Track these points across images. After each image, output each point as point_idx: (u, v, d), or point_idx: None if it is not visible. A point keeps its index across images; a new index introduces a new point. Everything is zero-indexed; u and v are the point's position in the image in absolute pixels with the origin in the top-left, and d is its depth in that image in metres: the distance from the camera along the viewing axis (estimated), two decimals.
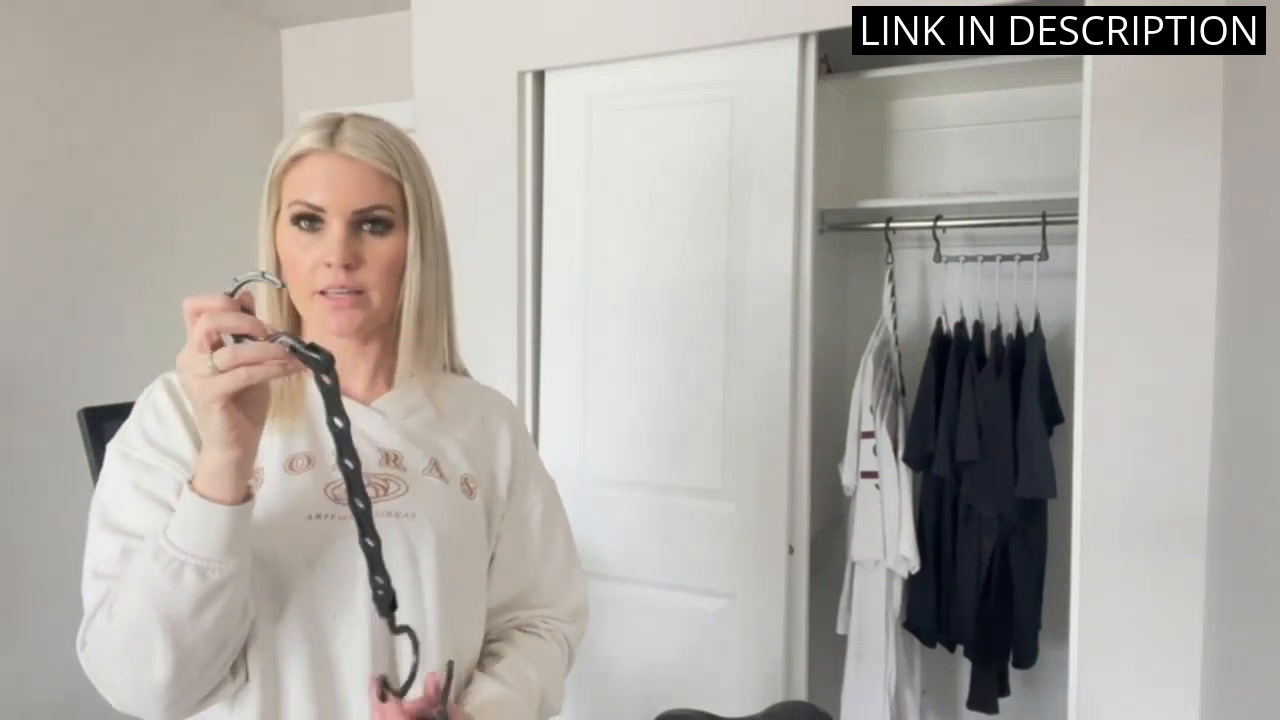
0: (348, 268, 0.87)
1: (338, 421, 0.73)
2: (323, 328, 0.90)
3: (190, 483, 0.73)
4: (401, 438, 0.94)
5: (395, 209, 0.90)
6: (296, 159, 0.88)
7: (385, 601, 0.79)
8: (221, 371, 0.68)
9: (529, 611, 1.05)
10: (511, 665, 0.97)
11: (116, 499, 0.83)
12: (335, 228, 0.87)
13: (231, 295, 0.70)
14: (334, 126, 0.89)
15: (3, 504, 2.13)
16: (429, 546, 0.89)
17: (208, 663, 0.77)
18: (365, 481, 0.89)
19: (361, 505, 0.76)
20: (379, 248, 0.89)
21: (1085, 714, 1.61)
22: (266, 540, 0.84)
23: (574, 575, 1.10)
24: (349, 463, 0.75)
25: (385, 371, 0.98)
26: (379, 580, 0.79)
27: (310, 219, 0.87)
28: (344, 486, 0.85)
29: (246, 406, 0.72)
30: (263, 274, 0.75)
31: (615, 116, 2.04)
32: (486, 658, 0.99)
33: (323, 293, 0.87)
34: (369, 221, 0.88)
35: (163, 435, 0.87)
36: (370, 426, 0.93)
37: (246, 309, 0.71)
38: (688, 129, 1.97)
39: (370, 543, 0.77)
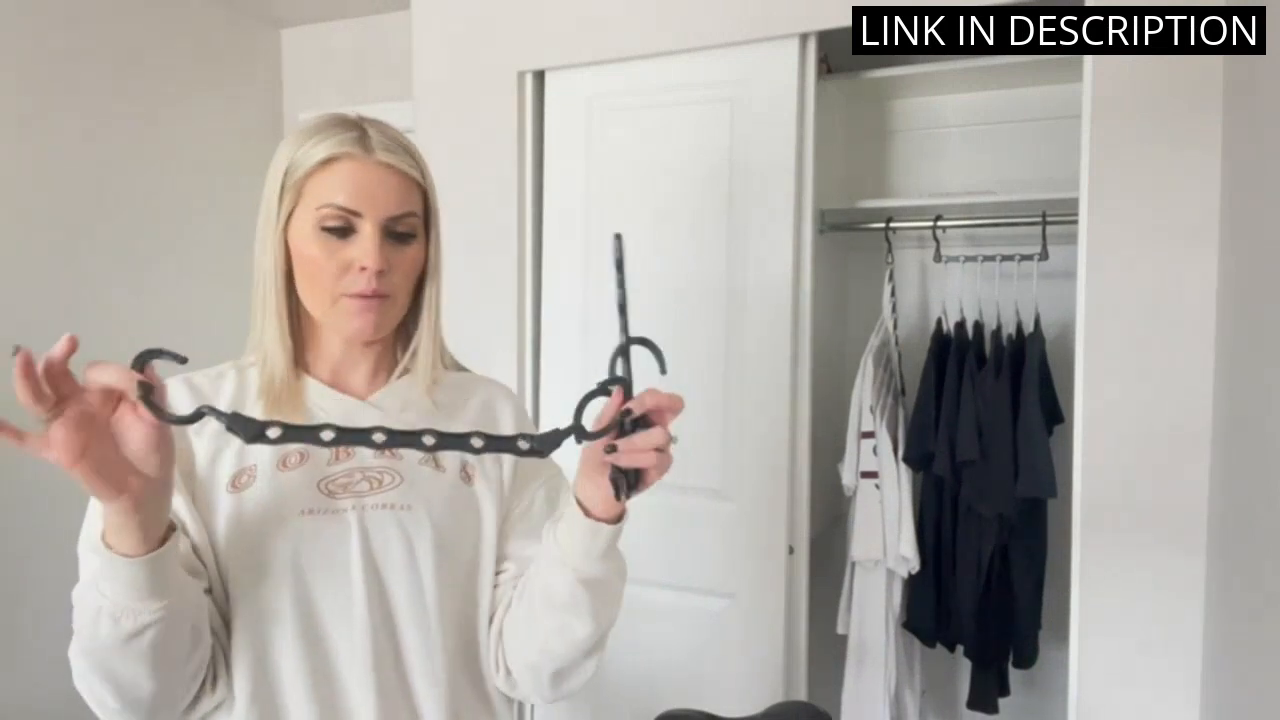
0: (381, 273, 0.87)
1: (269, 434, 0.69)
2: (345, 330, 0.90)
3: (103, 533, 0.72)
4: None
5: (419, 215, 0.92)
6: (327, 162, 0.87)
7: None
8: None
9: None
10: None
11: (91, 519, 0.82)
12: (369, 233, 0.87)
13: (140, 370, 0.67)
14: (360, 130, 0.89)
15: (6, 507, 2.13)
16: (425, 537, 0.89)
17: (155, 691, 0.77)
18: (360, 475, 0.89)
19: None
20: (404, 253, 0.91)
21: (1085, 714, 1.61)
22: (259, 538, 0.84)
23: None
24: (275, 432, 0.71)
25: (385, 369, 0.98)
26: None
27: (343, 224, 0.87)
28: (338, 481, 0.87)
29: (108, 464, 0.67)
30: (162, 351, 0.70)
31: (615, 116, 2.04)
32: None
33: (353, 296, 0.88)
34: (398, 231, 0.89)
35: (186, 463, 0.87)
36: (367, 421, 0.93)
37: (152, 398, 0.67)
38: (688, 129, 1.97)
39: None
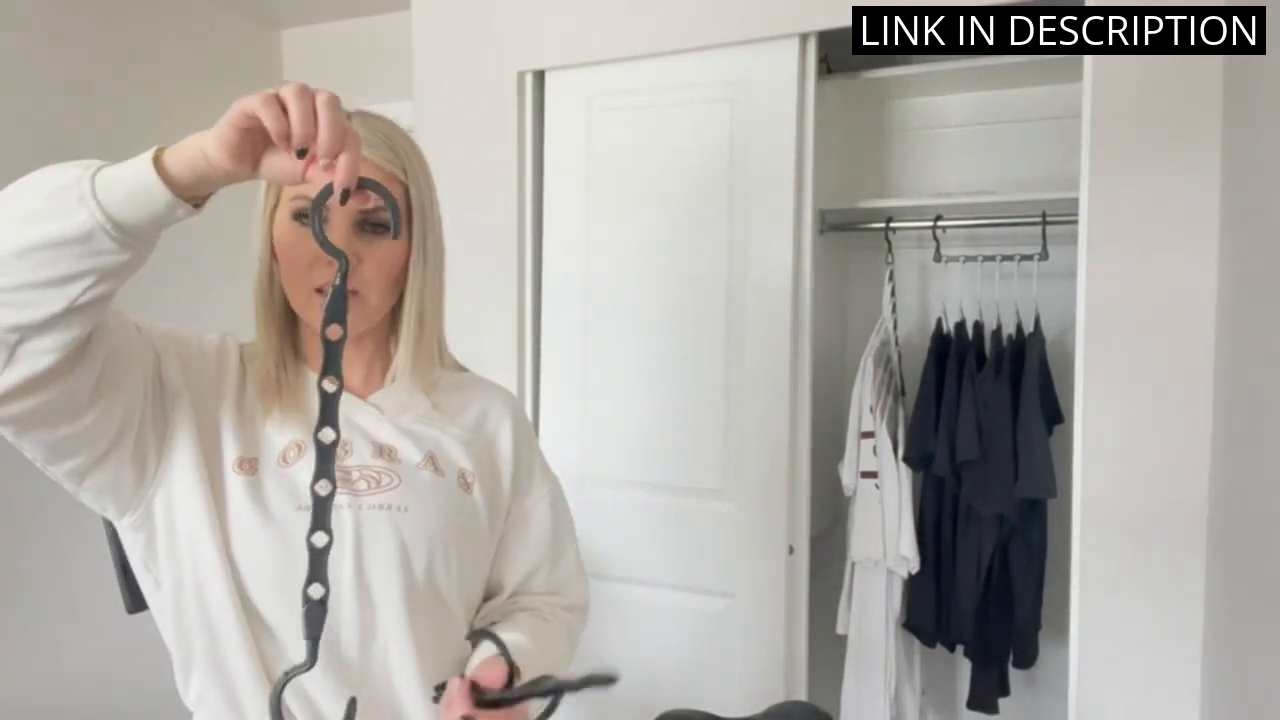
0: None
1: (327, 385, 0.75)
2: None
3: (159, 150, 0.70)
4: (397, 432, 0.94)
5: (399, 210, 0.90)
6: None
7: (318, 615, 0.75)
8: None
9: (530, 597, 1.05)
10: (518, 626, 0.96)
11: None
12: (338, 225, 0.86)
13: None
14: None
15: (6, 505, 2.13)
16: (420, 541, 0.89)
17: (39, 324, 0.68)
18: (357, 474, 0.89)
19: (322, 495, 0.74)
20: (380, 248, 0.89)
21: (1085, 714, 1.61)
22: (255, 529, 0.85)
23: (581, 574, 1.10)
24: (327, 435, 0.75)
25: (380, 367, 0.98)
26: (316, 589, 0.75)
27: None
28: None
29: (256, 134, 0.72)
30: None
31: (615, 116, 2.04)
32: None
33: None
34: (371, 222, 0.88)
35: (196, 355, 0.89)
36: (365, 421, 0.93)
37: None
38: (688, 129, 1.96)
39: (319, 542, 0.74)
